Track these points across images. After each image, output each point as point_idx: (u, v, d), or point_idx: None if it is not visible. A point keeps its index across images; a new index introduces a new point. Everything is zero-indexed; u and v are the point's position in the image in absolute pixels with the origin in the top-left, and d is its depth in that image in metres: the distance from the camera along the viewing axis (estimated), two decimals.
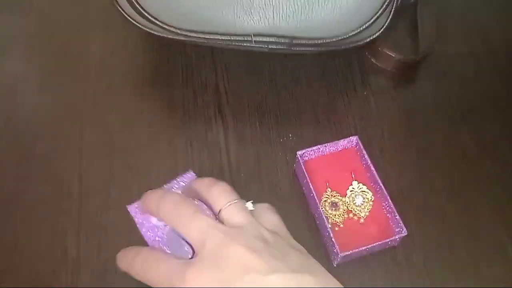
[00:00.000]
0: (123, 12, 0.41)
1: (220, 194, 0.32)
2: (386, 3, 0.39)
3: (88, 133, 0.42)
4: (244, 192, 0.39)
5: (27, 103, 0.44)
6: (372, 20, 0.39)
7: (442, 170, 0.42)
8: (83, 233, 0.38)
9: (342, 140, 0.40)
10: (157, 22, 0.39)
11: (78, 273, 0.36)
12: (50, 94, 0.45)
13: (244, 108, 0.44)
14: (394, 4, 0.41)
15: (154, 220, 0.37)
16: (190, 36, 0.40)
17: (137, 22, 0.41)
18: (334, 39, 0.41)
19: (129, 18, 0.41)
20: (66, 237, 0.38)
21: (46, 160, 0.41)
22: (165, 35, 0.41)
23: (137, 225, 0.37)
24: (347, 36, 0.40)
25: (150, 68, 0.46)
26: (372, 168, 0.39)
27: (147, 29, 0.41)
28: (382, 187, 0.38)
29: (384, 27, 0.42)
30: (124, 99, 0.44)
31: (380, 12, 0.39)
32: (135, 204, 0.38)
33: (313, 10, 0.38)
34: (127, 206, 0.38)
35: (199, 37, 0.40)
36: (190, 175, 0.39)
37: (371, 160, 0.39)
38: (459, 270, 0.37)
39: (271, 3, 0.39)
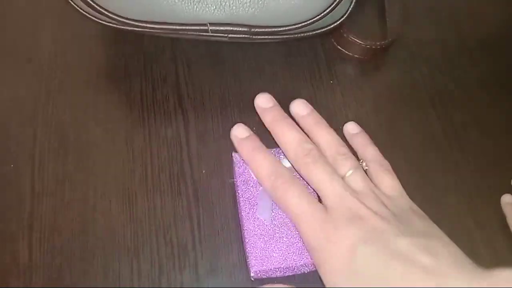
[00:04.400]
0: (71, 3, 0.38)
1: (342, 161, 0.34)
2: None
3: (40, 132, 0.40)
4: (205, 189, 0.38)
5: None
6: (333, 6, 0.38)
7: (410, 157, 0.41)
8: (36, 238, 0.36)
9: None
10: (106, 13, 0.37)
11: (30, 280, 0.35)
12: None
13: (206, 101, 0.43)
14: None
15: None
16: (142, 27, 0.38)
17: (86, 12, 0.39)
18: (294, 26, 0.39)
19: (77, 8, 0.39)
20: (17, 242, 0.36)
21: None
22: (116, 26, 0.39)
23: (235, 174, 0.37)
24: (308, 23, 0.38)
25: (106, 61, 0.44)
26: None
27: (97, 19, 0.39)
28: None
29: (348, 13, 0.41)
30: (79, 95, 0.42)
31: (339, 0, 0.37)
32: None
33: None
34: (232, 153, 0.37)
35: (152, 27, 0.38)
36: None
37: None
38: None
39: None
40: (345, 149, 0.35)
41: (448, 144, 0.42)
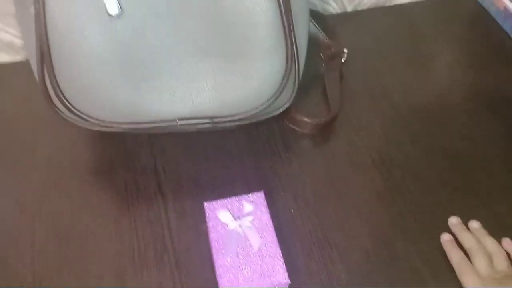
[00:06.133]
0: (62, 115, 0.46)
1: None
2: (284, 81, 0.46)
3: (39, 226, 0.46)
4: (186, 260, 0.44)
5: None
6: (276, 95, 0.46)
7: (361, 212, 0.47)
8: None
9: (250, 195, 0.45)
10: (90, 119, 0.45)
11: None
12: (2, 194, 0.49)
13: (182, 184, 0.49)
14: (297, 79, 0.49)
15: (223, 218, 0.44)
16: (122, 128, 0.46)
17: (73, 120, 0.46)
18: (248, 114, 0.47)
19: (67, 118, 0.46)
20: None
21: (1, 256, 0.44)
22: (102, 129, 0.46)
23: (207, 220, 0.44)
24: (259, 109, 0.47)
25: (94, 158, 0.51)
26: (270, 222, 0.43)
27: (84, 126, 0.46)
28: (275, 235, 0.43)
29: (291, 98, 0.49)
30: (72, 190, 0.49)
31: (281, 87, 0.46)
32: (212, 203, 0.45)
33: (224, 93, 0.45)
34: (204, 202, 0.45)
35: (131, 128, 0.46)
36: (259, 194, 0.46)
37: (271, 214, 0.44)
38: None
39: (190, 91, 0.45)
40: None
41: (392, 197, 0.49)
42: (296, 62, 0.47)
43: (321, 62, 0.61)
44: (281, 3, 0.43)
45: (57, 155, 0.52)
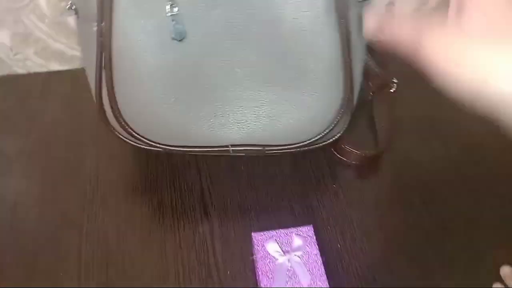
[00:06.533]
0: (115, 132, 0.46)
1: None
2: (340, 114, 0.45)
3: (85, 241, 0.46)
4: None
5: (28, 217, 0.49)
6: (330, 127, 0.46)
7: (408, 252, 0.46)
8: None
9: (299, 228, 0.45)
10: (142, 138, 0.45)
11: None
12: (49, 208, 0.49)
13: (227, 209, 0.49)
14: (351, 111, 0.48)
15: (272, 251, 0.43)
16: (174, 150, 0.46)
17: (126, 139, 0.46)
18: (300, 144, 0.47)
19: (119, 136, 0.47)
20: None
21: (48, 270, 0.44)
22: (152, 149, 0.46)
23: (255, 251, 0.43)
24: (312, 140, 0.46)
25: (140, 177, 0.51)
26: (320, 258, 0.43)
27: (133, 143, 0.46)
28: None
29: (343, 129, 0.49)
30: (118, 207, 0.49)
31: (337, 120, 0.45)
32: (260, 234, 0.44)
33: (279, 122, 0.45)
34: (252, 233, 0.44)
35: (183, 150, 0.46)
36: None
37: (320, 250, 0.43)
38: None
39: (245, 118, 0.45)
40: None
41: (441, 239, 0.48)
42: (353, 95, 0.47)
43: (369, 91, 0.60)
44: (344, 35, 0.43)
45: (103, 170, 0.52)
